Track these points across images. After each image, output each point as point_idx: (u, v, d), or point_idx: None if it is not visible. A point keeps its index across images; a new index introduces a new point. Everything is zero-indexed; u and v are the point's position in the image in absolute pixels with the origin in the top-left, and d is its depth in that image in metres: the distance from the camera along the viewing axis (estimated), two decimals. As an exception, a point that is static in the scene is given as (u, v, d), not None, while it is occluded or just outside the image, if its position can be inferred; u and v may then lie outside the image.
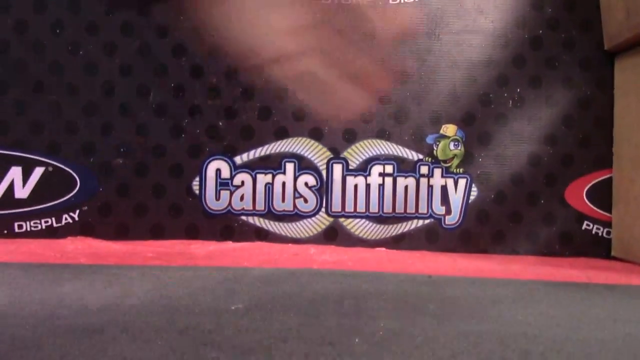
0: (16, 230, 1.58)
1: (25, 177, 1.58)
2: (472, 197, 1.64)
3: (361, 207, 1.63)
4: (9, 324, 0.81)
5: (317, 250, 1.55)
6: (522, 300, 1.08)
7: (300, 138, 1.62)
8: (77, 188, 1.59)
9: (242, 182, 1.62)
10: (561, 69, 1.64)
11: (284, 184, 1.62)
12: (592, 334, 0.86)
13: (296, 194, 1.63)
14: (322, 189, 1.63)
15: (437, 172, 1.64)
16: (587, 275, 1.38)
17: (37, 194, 1.58)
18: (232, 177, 1.62)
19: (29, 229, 1.58)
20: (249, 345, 0.74)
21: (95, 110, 1.59)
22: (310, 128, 1.62)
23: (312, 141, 1.62)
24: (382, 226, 1.63)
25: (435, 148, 1.64)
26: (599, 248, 1.64)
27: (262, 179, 1.62)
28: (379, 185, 1.63)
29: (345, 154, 1.63)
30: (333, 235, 1.63)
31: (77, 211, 1.59)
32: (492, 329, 0.86)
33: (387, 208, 1.63)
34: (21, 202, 1.58)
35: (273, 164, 1.62)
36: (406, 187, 1.63)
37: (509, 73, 1.63)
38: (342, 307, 0.97)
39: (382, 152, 1.63)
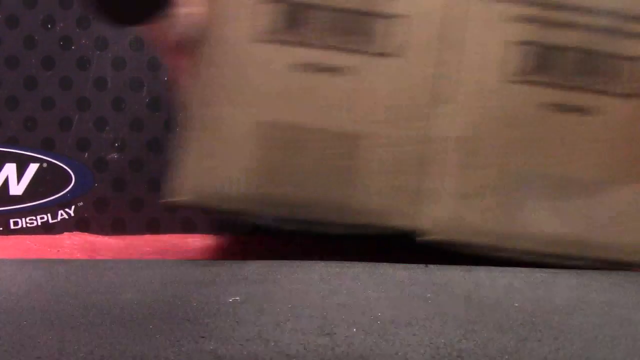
0: (12, 227, 1.58)
1: (20, 174, 1.58)
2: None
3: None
4: (6, 320, 0.81)
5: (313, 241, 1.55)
6: (519, 288, 1.09)
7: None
8: (72, 184, 1.59)
9: (238, 175, 1.62)
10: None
11: (279, 176, 1.62)
12: (590, 319, 0.86)
13: (292, 186, 1.62)
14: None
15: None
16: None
17: (32, 191, 1.58)
18: (227, 170, 1.61)
19: (24, 226, 1.58)
20: (246, 336, 0.75)
21: (88, 105, 1.59)
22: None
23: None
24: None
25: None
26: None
27: (258, 171, 1.62)
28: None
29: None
30: (329, 226, 1.63)
31: (73, 207, 1.59)
32: (488, 316, 0.86)
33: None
34: (16, 199, 1.58)
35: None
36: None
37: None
38: (341, 297, 0.97)
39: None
